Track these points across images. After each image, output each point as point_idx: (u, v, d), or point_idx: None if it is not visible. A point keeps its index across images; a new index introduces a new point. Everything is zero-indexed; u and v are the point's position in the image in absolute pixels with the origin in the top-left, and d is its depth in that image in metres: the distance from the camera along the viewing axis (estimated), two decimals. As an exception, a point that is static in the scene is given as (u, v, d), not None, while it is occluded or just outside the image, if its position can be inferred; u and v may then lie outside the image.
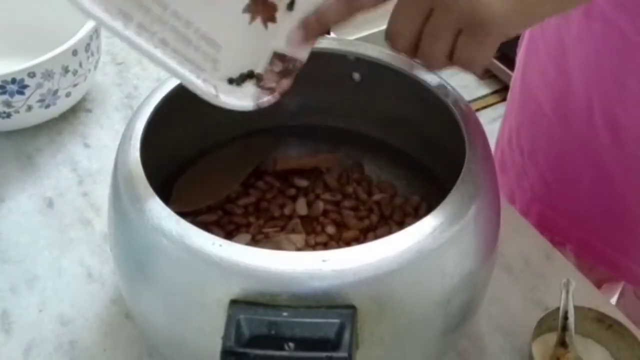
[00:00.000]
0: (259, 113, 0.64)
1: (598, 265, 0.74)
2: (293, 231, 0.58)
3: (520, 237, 0.66)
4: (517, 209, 0.75)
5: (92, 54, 0.74)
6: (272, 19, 0.49)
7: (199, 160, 0.62)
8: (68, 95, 0.73)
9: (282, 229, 0.58)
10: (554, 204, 0.76)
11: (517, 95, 0.80)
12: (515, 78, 0.80)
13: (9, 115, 0.70)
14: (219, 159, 0.62)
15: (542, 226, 0.69)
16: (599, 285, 0.76)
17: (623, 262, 0.73)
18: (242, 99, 0.49)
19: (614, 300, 0.84)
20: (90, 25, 0.72)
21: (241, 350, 0.38)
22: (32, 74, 0.68)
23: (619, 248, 0.73)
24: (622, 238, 0.72)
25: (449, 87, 0.52)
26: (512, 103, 0.82)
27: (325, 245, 0.57)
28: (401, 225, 0.59)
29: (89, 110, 0.79)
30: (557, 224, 0.73)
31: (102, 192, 0.68)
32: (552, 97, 0.72)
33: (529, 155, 0.78)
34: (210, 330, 0.41)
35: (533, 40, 0.75)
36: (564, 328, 0.54)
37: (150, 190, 0.44)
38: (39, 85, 0.69)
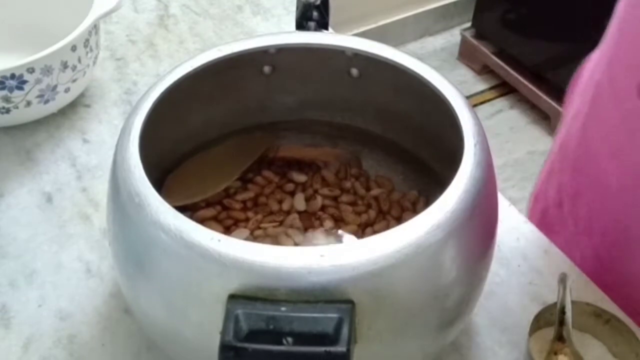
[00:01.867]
0: (257, 109, 0.64)
1: None
2: (291, 226, 0.58)
3: (518, 231, 0.66)
4: None
5: (91, 50, 0.74)
6: None
7: (194, 156, 0.62)
8: (67, 90, 0.73)
9: (281, 224, 0.59)
10: (604, 281, 0.64)
11: (573, 154, 0.68)
12: (570, 132, 0.68)
13: (7, 111, 0.70)
14: (214, 155, 0.62)
15: None
16: None
17: None
18: None
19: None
20: (89, 20, 0.72)
21: (239, 345, 0.38)
22: (31, 70, 0.68)
23: None
24: None
25: (447, 83, 0.52)
26: (563, 160, 0.70)
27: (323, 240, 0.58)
28: (399, 220, 0.59)
29: (88, 106, 0.79)
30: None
31: (101, 187, 0.68)
32: (622, 170, 0.61)
33: (584, 227, 0.68)
34: (208, 324, 0.41)
35: (597, 94, 0.63)
36: (562, 323, 0.54)
37: (148, 185, 0.44)
38: (38, 81, 0.69)
